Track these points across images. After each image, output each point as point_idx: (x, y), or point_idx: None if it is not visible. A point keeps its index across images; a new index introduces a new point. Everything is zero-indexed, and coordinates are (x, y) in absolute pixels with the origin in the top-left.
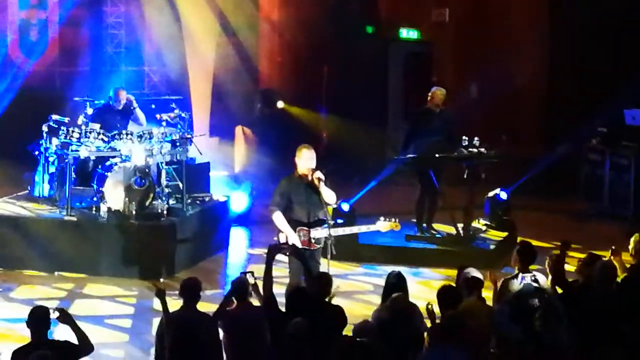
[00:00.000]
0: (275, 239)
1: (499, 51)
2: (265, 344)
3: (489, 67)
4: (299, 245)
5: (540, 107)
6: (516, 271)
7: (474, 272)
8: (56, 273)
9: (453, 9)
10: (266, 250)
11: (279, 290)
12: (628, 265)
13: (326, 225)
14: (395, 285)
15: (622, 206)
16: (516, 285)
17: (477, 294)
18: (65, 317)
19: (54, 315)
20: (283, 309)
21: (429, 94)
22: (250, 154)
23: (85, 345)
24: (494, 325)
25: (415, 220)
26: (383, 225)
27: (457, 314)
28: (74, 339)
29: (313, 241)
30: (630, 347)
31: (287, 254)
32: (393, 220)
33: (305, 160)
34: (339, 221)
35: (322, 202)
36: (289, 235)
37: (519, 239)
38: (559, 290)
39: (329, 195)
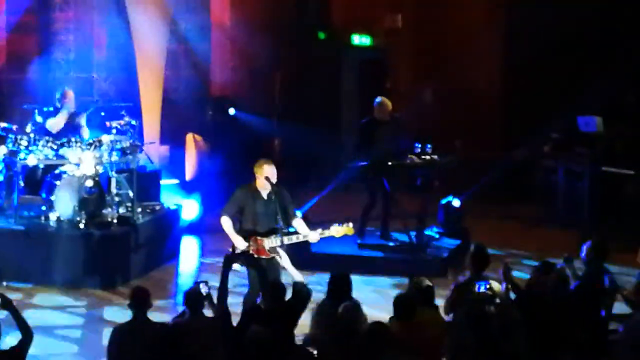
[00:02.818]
0: (230, 249)
1: (454, 56)
2: (217, 357)
3: (443, 73)
4: (242, 248)
5: (495, 113)
6: (470, 275)
7: (425, 282)
8: (4, 283)
9: (406, 15)
10: (221, 260)
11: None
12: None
13: (280, 234)
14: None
15: (576, 213)
16: (471, 292)
17: (430, 303)
18: (5, 303)
19: None
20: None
21: (375, 105)
22: (201, 161)
23: (27, 335)
24: (449, 333)
25: (359, 226)
26: (337, 230)
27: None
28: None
29: (267, 249)
30: (583, 354)
31: (243, 263)
32: (347, 224)
33: (265, 175)
34: (292, 229)
35: (277, 214)
36: (234, 241)
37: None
38: (513, 298)
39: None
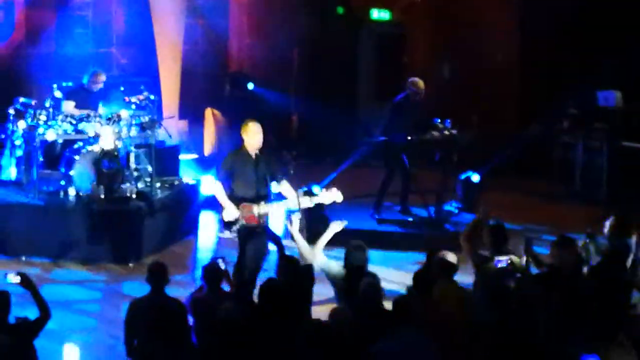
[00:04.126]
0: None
1: (471, 31)
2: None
3: (461, 48)
4: (231, 218)
5: (513, 87)
6: (489, 253)
7: (448, 255)
8: (23, 257)
9: None
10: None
11: None
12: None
13: (270, 200)
14: (356, 255)
15: (595, 188)
16: (492, 268)
17: (450, 278)
18: (27, 282)
19: (15, 279)
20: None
21: (411, 84)
22: (219, 136)
23: (45, 314)
24: (468, 308)
25: (376, 201)
26: (325, 196)
27: (405, 298)
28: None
29: (256, 216)
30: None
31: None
32: (333, 190)
33: (252, 134)
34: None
35: (266, 178)
36: (226, 209)
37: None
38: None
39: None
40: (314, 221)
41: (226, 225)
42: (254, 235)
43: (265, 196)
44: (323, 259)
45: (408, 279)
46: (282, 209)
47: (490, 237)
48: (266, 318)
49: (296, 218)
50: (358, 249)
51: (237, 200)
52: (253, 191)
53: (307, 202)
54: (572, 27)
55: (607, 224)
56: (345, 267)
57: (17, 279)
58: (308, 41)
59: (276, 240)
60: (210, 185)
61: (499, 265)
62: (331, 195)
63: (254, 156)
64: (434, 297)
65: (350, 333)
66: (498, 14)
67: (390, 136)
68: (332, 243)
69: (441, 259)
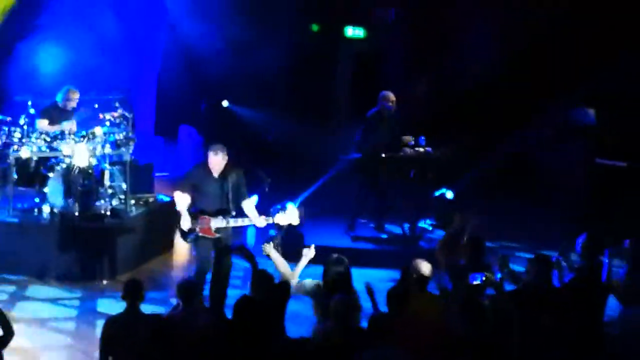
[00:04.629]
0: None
1: (447, 49)
2: (212, 350)
3: (436, 65)
4: (185, 228)
5: (489, 105)
6: (465, 265)
7: (422, 265)
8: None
9: (400, 7)
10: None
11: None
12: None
13: (227, 215)
14: (336, 269)
15: (569, 206)
16: (467, 283)
17: (423, 290)
18: None
19: None
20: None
21: (381, 98)
22: (194, 154)
23: (7, 333)
24: (444, 323)
25: (351, 219)
26: (281, 218)
27: (380, 315)
28: None
29: (213, 229)
30: (577, 348)
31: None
32: (290, 211)
33: (212, 163)
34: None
35: (228, 195)
36: (183, 218)
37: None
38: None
39: None
40: (290, 239)
41: (182, 233)
42: (207, 247)
43: (224, 212)
44: (296, 282)
45: (382, 296)
46: (238, 225)
47: (469, 249)
48: (241, 334)
49: (275, 240)
50: (337, 263)
51: (196, 211)
52: (214, 205)
53: (263, 222)
54: (548, 46)
55: (580, 241)
56: (324, 282)
57: None
58: (284, 58)
59: (249, 257)
60: (175, 196)
61: (474, 282)
62: (288, 218)
63: (217, 172)
64: (410, 312)
65: (328, 350)
66: (474, 31)
67: (363, 152)
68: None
69: (416, 269)
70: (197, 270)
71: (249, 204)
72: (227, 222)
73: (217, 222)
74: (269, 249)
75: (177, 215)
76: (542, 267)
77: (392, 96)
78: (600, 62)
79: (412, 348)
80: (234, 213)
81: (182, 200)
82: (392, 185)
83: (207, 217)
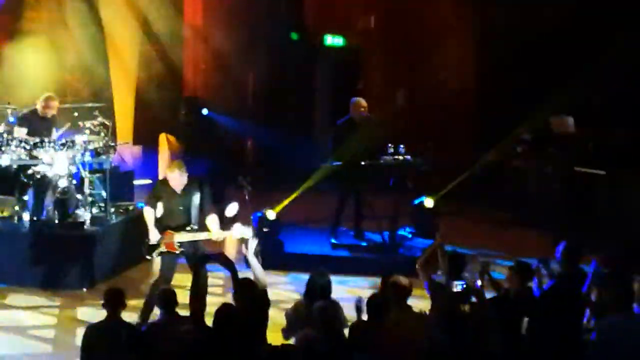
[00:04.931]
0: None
1: (427, 58)
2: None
3: (416, 74)
4: (153, 242)
5: (468, 113)
6: (445, 279)
7: (400, 280)
8: None
9: (379, 16)
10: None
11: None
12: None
13: (188, 229)
14: (319, 284)
15: (548, 214)
16: (447, 292)
17: (404, 303)
18: None
19: None
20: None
21: (352, 105)
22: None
23: None
24: (425, 333)
25: (332, 226)
26: (236, 232)
27: (360, 323)
28: None
29: (176, 244)
30: (557, 355)
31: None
32: (242, 231)
33: (172, 179)
34: (265, 229)
35: (191, 209)
36: (150, 233)
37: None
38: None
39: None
40: (269, 246)
41: (149, 248)
42: (170, 261)
43: (186, 225)
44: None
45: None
46: (198, 239)
47: (448, 264)
48: (222, 342)
49: (252, 243)
50: (321, 275)
51: (162, 227)
52: (176, 220)
53: (221, 235)
54: (525, 54)
55: (560, 249)
56: (307, 292)
57: None
58: (263, 66)
59: (229, 265)
60: (144, 212)
61: (455, 289)
62: (241, 232)
63: (180, 187)
64: (389, 322)
65: (308, 357)
66: (453, 40)
67: (338, 159)
68: (288, 268)
69: (394, 283)
70: (159, 278)
71: (212, 218)
72: (189, 237)
73: (179, 237)
74: (248, 253)
75: (145, 230)
76: (522, 275)
77: (363, 102)
78: (578, 71)
79: (391, 357)
80: (195, 227)
81: (149, 215)
82: (371, 193)
83: (171, 232)
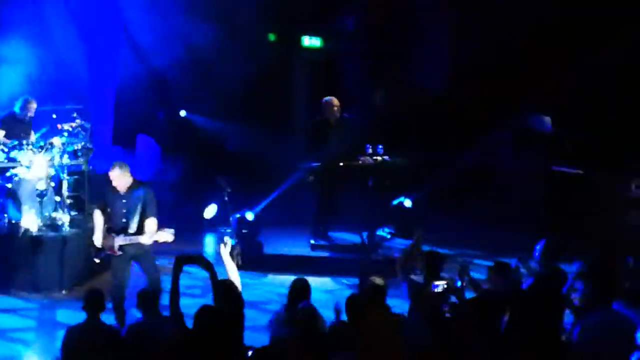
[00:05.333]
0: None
1: (406, 58)
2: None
3: (394, 74)
4: (98, 245)
5: (448, 113)
6: (424, 278)
7: (377, 280)
8: None
9: (358, 16)
10: (172, 261)
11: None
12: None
13: (125, 233)
14: (300, 291)
15: (527, 213)
16: (427, 292)
17: (382, 303)
18: None
19: None
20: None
21: (323, 104)
22: (153, 163)
23: None
24: (405, 333)
25: (313, 227)
26: (160, 235)
27: (340, 324)
28: None
29: (116, 248)
30: (538, 354)
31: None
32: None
33: (114, 179)
34: (244, 231)
35: (133, 213)
36: (95, 235)
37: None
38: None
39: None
40: (248, 247)
41: (96, 250)
42: (118, 264)
43: (127, 229)
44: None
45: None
46: (132, 242)
47: (425, 264)
48: (204, 344)
49: (228, 240)
50: (301, 281)
51: (107, 229)
52: (119, 223)
53: (148, 239)
54: (504, 53)
55: (538, 248)
56: (289, 296)
57: None
58: (241, 67)
59: (207, 266)
60: (94, 215)
61: (436, 290)
62: (164, 235)
63: (123, 191)
64: (368, 323)
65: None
66: (432, 38)
67: (311, 158)
68: (267, 269)
69: (372, 284)
70: (113, 282)
71: (150, 222)
72: (126, 240)
73: (119, 240)
74: (224, 252)
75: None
76: (502, 274)
77: (335, 101)
78: (555, 70)
79: (370, 357)
80: (132, 230)
81: (97, 218)
82: (349, 193)
83: (112, 235)
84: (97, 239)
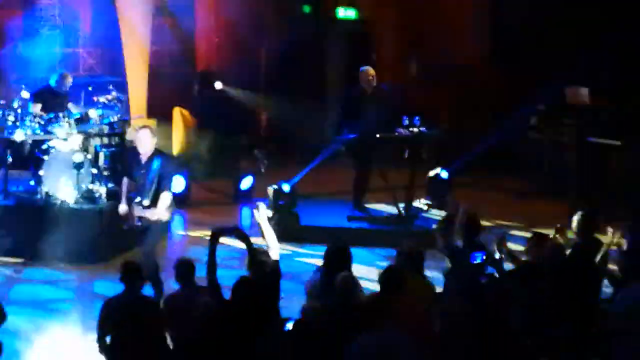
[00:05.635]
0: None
1: (439, 27)
2: (212, 329)
3: (429, 45)
4: (121, 213)
5: (482, 84)
6: (462, 243)
7: (415, 247)
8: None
9: None
10: (209, 233)
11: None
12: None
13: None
14: (338, 255)
15: (563, 184)
16: (467, 262)
17: (419, 270)
18: None
19: None
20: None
21: (360, 73)
22: (188, 136)
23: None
24: (441, 302)
25: (353, 200)
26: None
27: (379, 294)
28: None
29: (135, 218)
30: (576, 325)
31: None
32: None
33: (138, 141)
34: (280, 202)
35: (152, 182)
36: (120, 204)
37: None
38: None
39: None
40: (285, 219)
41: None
42: (143, 235)
43: (142, 201)
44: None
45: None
46: (143, 215)
47: (464, 227)
48: (239, 315)
49: (262, 205)
50: (339, 247)
51: (128, 200)
52: (139, 193)
53: (155, 215)
54: (541, 23)
55: (575, 219)
56: (325, 263)
57: None
58: (276, 39)
59: (244, 238)
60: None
61: (475, 261)
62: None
63: (145, 158)
64: (405, 291)
65: (324, 329)
66: (466, 9)
67: (347, 130)
68: (304, 240)
69: (410, 250)
70: (141, 254)
71: (164, 196)
72: (140, 212)
73: (137, 211)
74: (260, 217)
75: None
76: (541, 245)
77: (371, 71)
78: (593, 41)
79: (408, 329)
80: (146, 203)
81: (123, 187)
82: (386, 165)
83: (133, 204)
84: (121, 208)
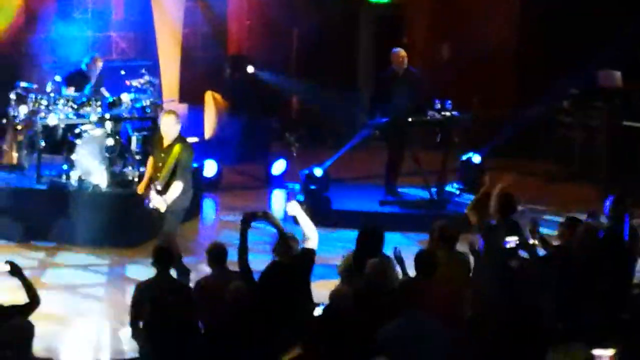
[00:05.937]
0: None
1: (471, 12)
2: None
3: (460, 29)
4: (139, 192)
5: (512, 68)
6: (496, 222)
7: (446, 224)
8: (32, 242)
9: None
10: (240, 217)
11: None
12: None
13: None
14: (370, 240)
15: (595, 168)
16: (501, 246)
17: (452, 247)
18: (15, 270)
19: (4, 267)
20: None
21: (392, 55)
22: (220, 119)
23: (33, 301)
24: (472, 285)
25: (385, 184)
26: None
27: (411, 280)
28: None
29: (151, 200)
30: (608, 308)
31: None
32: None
33: (162, 126)
34: (312, 186)
35: (162, 170)
36: (142, 181)
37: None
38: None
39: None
40: (316, 203)
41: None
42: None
43: (159, 184)
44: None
45: (410, 261)
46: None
47: (498, 203)
48: (270, 299)
49: (293, 202)
50: (371, 229)
51: (150, 180)
52: (157, 175)
53: (160, 202)
54: (573, 7)
55: (608, 203)
56: (357, 247)
57: (7, 267)
58: (307, 23)
59: (275, 222)
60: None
61: (508, 246)
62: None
63: (166, 142)
64: (438, 275)
65: (354, 314)
66: None
67: (379, 113)
68: (336, 225)
69: (441, 226)
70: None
71: (175, 185)
72: (153, 195)
73: (153, 193)
74: (295, 208)
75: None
76: (574, 230)
77: (402, 52)
78: (625, 24)
79: (441, 313)
80: (160, 187)
81: (148, 167)
82: (418, 149)
83: (152, 185)
84: (140, 186)
